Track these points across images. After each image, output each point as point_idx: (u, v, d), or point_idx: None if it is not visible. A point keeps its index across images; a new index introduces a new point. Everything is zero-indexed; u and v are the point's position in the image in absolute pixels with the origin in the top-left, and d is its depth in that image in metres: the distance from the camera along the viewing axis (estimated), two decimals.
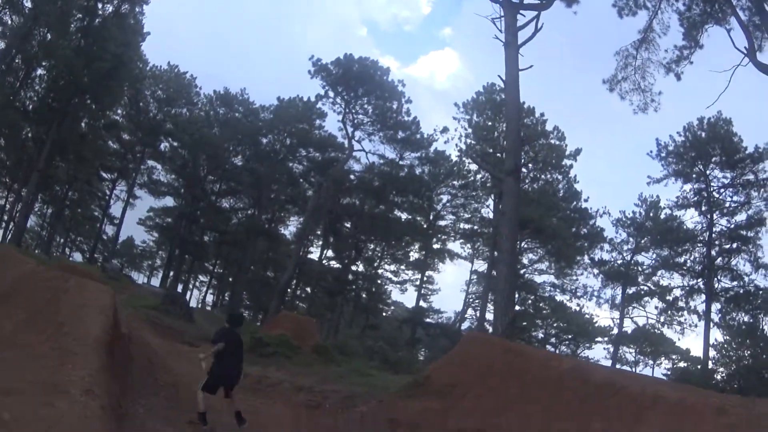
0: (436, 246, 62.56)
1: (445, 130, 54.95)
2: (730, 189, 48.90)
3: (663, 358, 66.91)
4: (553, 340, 63.53)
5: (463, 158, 55.77)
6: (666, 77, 32.46)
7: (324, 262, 61.96)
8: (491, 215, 54.00)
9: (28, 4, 43.32)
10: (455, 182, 58.75)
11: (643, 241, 53.53)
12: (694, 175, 49.90)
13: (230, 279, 72.87)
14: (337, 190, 55.17)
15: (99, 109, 51.30)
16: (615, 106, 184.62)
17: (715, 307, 47.90)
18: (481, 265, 59.75)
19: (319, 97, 54.47)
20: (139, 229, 78.48)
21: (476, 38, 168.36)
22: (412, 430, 13.16)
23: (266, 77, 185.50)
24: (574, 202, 54.12)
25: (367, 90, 53.88)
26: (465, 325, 59.37)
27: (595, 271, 54.92)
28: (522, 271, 50.28)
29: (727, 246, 48.37)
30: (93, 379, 8.20)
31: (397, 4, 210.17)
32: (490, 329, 46.72)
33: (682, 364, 61.50)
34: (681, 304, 50.27)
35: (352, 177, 57.68)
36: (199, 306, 66.68)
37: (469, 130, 54.55)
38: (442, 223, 61.46)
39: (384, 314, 67.96)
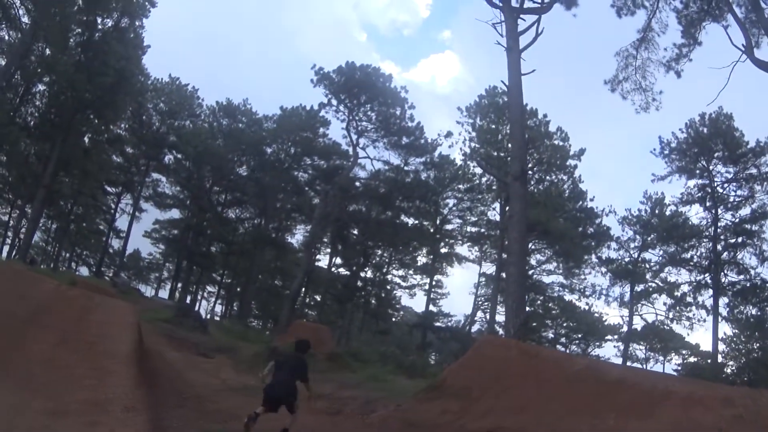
0: (443, 250, 62.78)
1: (449, 134, 55.32)
2: (734, 183, 49.20)
3: (673, 354, 66.88)
4: (563, 339, 63.64)
5: (468, 162, 56.11)
6: (666, 75, 32.82)
7: (333, 269, 62.18)
8: (498, 218, 54.36)
9: (26, 20, 43.74)
10: (461, 186, 58.89)
11: (649, 239, 53.65)
12: (697, 171, 50.11)
13: (238, 289, 73.11)
14: (344, 198, 55.45)
15: (102, 123, 51.52)
16: (617, 105, 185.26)
17: (723, 301, 48.06)
18: (489, 268, 60.01)
19: (322, 105, 54.69)
20: (144, 241, 78.93)
21: (476, 40, 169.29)
22: None
23: (267, 85, 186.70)
24: (580, 202, 54.32)
25: (370, 97, 54.11)
26: (475, 328, 59.65)
27: (603, 269, 55.20)
28: (530, 272, 50.50)
29: (733, 240, 48.64)
30: (132, 395, 8.60)
31: (396, 8, 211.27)
32: (501, 331, 47.17)
33: (692, 359, 61.45)
34: (689, 299, 50.50)
35: (357, 184, 57.91)
36: (208, 317, 66.96)
37: (473, 134, 54.85)
38: (449, 227, 61.70)
39: (393, 319, 68.16)
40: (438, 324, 61.14)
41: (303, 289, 59.66)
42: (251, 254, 63.67)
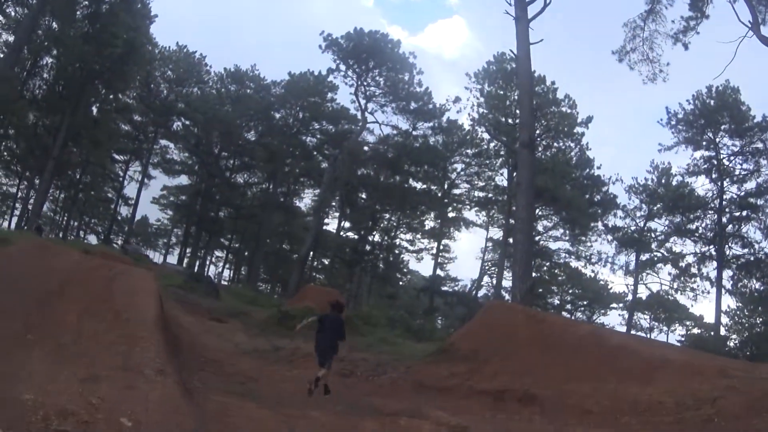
0: (451, 214, 63.03)
1: (457, 99, 55.16)
2: (740, 157, 49.07)
3: (677, 325, 67.03)
4: (568, 306, 63.96)
5: (476, 127, 56.19)
6: (674, 47, 33.03)
7: (341, 233, 62.57)
8: (505, 183, 54.58)
9: None
10: (468, 151, 58.97)
11: (655, 208, 53.54)
12: (704, 143, 50.01)
13: (246, 253, 73.54)
14: (353, 162, 55.73)
15: (111, 93, 51.71)
16: (625, 75, 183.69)
17: (727, 274, 48.14)
18: (496, 233, 60.40)
19: (330, 70, 55.21)
20: (152, 207, 79.51)
21: (484, 4, 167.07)
22: (441, 393, 14.08)
23: (274, 50, 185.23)
24: (587, 170, 54.33)
25: (379, 62, 54.37)
26: (481, 293, 60.04)
27: (609, 237, 55.09)
28: (537, 239, 50.61)
29: (738, 214, 48.66)
30: (161, 359, 9.05)
31: None
32: (507, 296, 47.72)
33: (695, 331, 61.41)
34: (693, 270, 50.78)
35: (366, 149, 58.14)
36: (216, 281, 67.56)
37: (481, 100, 54.59)
38: (456, 191, 61.93)
39: (401, 283, 68.56)
40: (445, 288, 61.57)
41: (311, 253, 60.15)
42: (260, 219, 63.99)
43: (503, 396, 13.10)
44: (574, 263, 59.08)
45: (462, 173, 60.87)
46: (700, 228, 50.83)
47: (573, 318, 55.19)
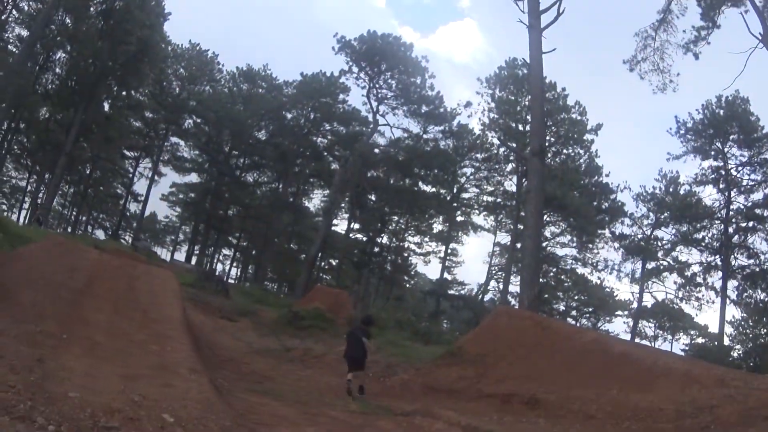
0: (459, 218, 63.31)
1: (468, 104, 55.59)
2: (748, 167, 49.05)
3: (681, 333, 66.91)
4: (574, 312, 63.96)
5: (486, 132, 56.36)
6: (684, 57, 33.38)
7: (350, 235, 62.83)
8: (514, 188, 54.82)
9: None
10: (478, 155, 59.01)
11: (662, 217, 53.67)
12: (712, 153, 50.08)
13: (254, 252, 73.75)
14: (363, 164, 56.13)
15: (124, 90, 52.04)
16: (635, 84, 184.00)
17: (732, 284, 48.19)
18: (504, 238, 60.59)
19: (343, 72, 55.52)
20: (161, 204, 79.81)
21: (495, 7, 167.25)
22: (450, 395, 14.55)
23: (285, 50, 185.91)
24: (596, 177, 54.58)
25: (391, 65, 54.73)
26: (488, 297, 60.35)
27: (616, 245, 55.27)
28: (544, 244, 50.79)
29: (744, 224, 48.73)
30: (192, 358, 9.50)
31: None
32: (513, 301, 48.08)
33: (700, 340, 61.32)
34: (699, 280, 50.65)
35: (377, 151, 58.53)
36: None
37: (492, 105, 54.95)
38: (465, 195, 62.03)
39: (407, 285, 68.76)
40: (451, 292, 61.96)
41: (319, 254, 60.45)
42: (268, 218, 64.36)
43: (510, 399, 13.55)
44: (580, 270, 59.14)
45: (471, 177, 61.10)
46: (707, 237, 50.89)
47: (578, 325, 55.29)
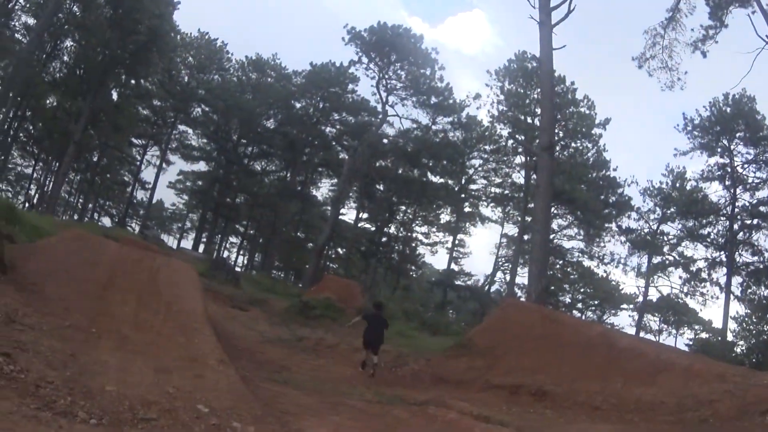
0: (467, 209, 63.44)
1: (477, 96, 55.93)
2: (753, 165, 49.12)
3: (686, 328, 66.99)
4: (579, 305, 64.21)
5: (495, 123, 56.66)
6: (692, 55, 33.67)
7: (358, 224, 63.08)
8: (522, 180, 55.06)
9: None
10: (487, 147, 59.14)
11: (669, 212, 53.92)
12: (718, 150, 50.23)
13: (261, 240, 73.95)
14: (372, 155, 56.41)
15: (132, 79, 52.06)
16: (643, 80, 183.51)
17: (737, 280, 48.44)
18: (511, 229, 60.83)
19: (352, 62, 55.67)
20: (167, 192, 79.80)
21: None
22: (459, 386, 15.04)
23: (293, 39, 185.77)
24: (603, 171, 54.84)
25: (401, 56, 54.80)
26: (494, 288, 60.69)
27: (622, 239, 55.47)
28: (551, 237, 51.02)
29: (749, 221, 48.87)
30: (218, 350, 9.85)
31: None
32: (520, 293, 48.48)
33: (704, 335, 61.38)
34: (704, 275, 50.97)
35: (385, 141, 58.82)
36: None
37: (501, 97, 55.09)
38: (473, 186, 62.11)
39: (414, 275, 68.94)
40: (458, 282, 62.28)
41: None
42: (276, 206, 64.76)
43: (518, 391, 14.03)
44: (586, 262, 59.24)
45: (479, 169, 61.20)
46: (712, 233, 51.20)
47: (583, 317, 55.63)
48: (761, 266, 47.50)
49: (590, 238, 56.32)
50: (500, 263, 61.09)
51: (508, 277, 56.58)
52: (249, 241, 77.94)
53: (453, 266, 63.64)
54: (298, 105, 65.76)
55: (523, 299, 33.50)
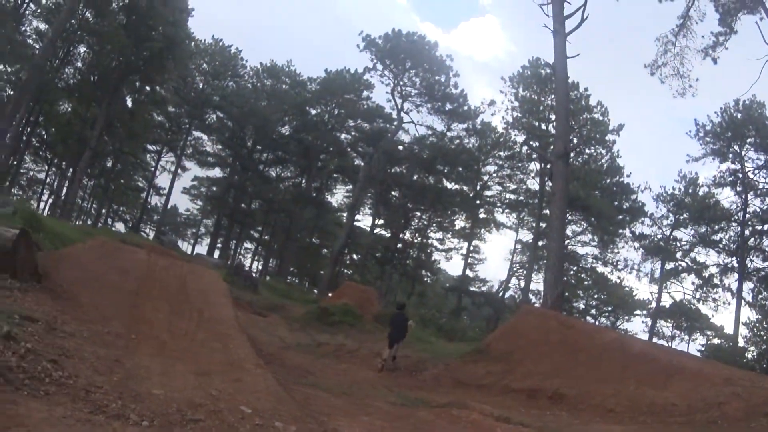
0: (482, 216, 63.20)
1: (492, 103, 56.44)
2: (764, 171, 49.09)
3: (698, 334, 66.76)
4: (593, 311, 64.08)
5: (510, 130, 56.76)
6: (703, 62, 33.94)
7: (374, 231, 63.30)
8: (537, 186, 55.37)
9: None
10: (501, 153, 59.44)
11: (682, 218, 53.87)
12: (730, 155, 50.18)
13: (275, 246, 74.13)
14: (388, 161, 56.80)
15: (147, 85, 52.00)
16: (655, 86, 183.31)
17: (748, 286, 48.30)
18: (526, 235, 60.49)
19: (367, 69, 56.18)
20: (182, 197, 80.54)
21: (516, 3, 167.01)
22: (478, 390, 15.52)
23: (306, 45, 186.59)
24: (617, 177, 55.06)
25: (415, 63, 55.23)
26: (508, 294, 60.74)
27: (636, 245, 55.62)
28: (566, 243, 51.25)
29: (760, 227, 48.83)
30: (253, 355, 10.30)
31: None
32: (534, 299, 48.78)
33: (716, 341, 61.17)
34: (716, 281, 51.04)
35: (401, 148, 59.23)
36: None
37: (516, 104, 55.36)
38: (488, 193, 62.15)
39: (428, 282, 68.88)
40: (473, 288, 62.39)
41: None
42: (291, 212, 65.14)
43: (535, 394, 14.53)
44: (600, 268, 59.22)
45: (494, 175, 61.27)
46: (724, 239, 51.18)
47: (597, 323, 55.70)
48: None
49: (604, 245, 56.45)
50: (515, 269, 61.01)
51: (522, 283, 56.67)
52: (264, 247, 78.26)
53: (468, 272, 63.56)
54: (313, 111, 66.25)
55: (538, 305, 33.86)
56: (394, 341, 18.39)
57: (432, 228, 65.66)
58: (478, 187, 61.38)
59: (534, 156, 54.71)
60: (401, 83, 55.59)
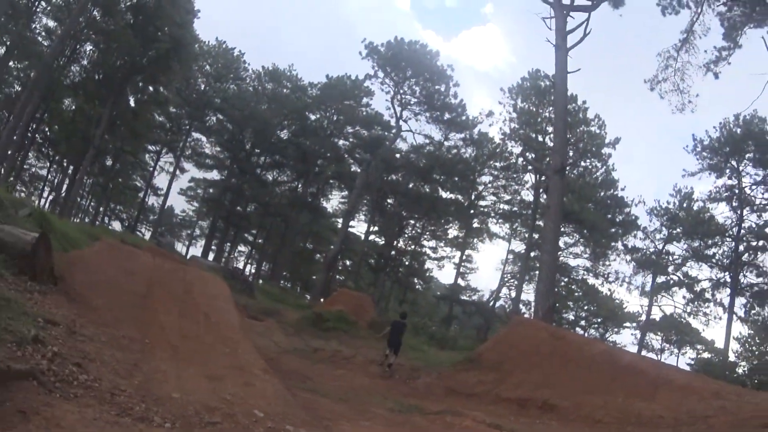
0: (476, 225, 63.36)
1: (490, 113, 56.89)
2: (762, 186, 49.04)
3: (688, 348, 66.81)
4: (582, 322, 64.25)
5: (506, 141, 56.92)
6: (704, 77, 33.97)
7: (368, 238, 63.64)
8: (531, 197, 55.59)
9: None
10: (497, 164, 59.42)
11: (675, 232, 54.03)
12: (727, 171, 50.39)
13: (269, 250, 74.05)
14: (385, 169, 57.06)
15: (151, 85, 52.28)
16: (654, 101, 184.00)
17: (740, 301, 48.49)
18: (518, 246, 60.73)
19: (368, 76, 56.23)
20: (178, 198, 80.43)
21: (518, 12, 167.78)
22: (470, 398, 15.96)
23: (308, 49, 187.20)
24: (611, 190, 55.28)
25: (416, 72, 55.44)
26: (498, 304, 60.95)
27: (628, 257, 55.59)
28: (558, 254, 51.40)
29: (755, 243, 48.94)
30: (259, 359, 10.62)
31: None
32: (524, 309, 49.08)
33: (705, 355, 61.30)
34: (707, 295, 51.02)
35: (398, 156, 59.54)
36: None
37: (514, 115, 55.63)
38: (482, 203, 62.26)
39: (420, 289, 68.95)
40: (464, 298, 62.54)
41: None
42: (287, 217, 65.30)
43: (526, 404, 14.98)
44: (591, 280, 59.38)
45: (489, 185, 61.42)
46: (717, 254, 51.15)
47: (586, 335, 55.92)
48: (765, 287, 47.56)
49: (596, 257, 56.70)
50: (506, 279, 61.30)
51: (513, 293, 57.00)
52: (258, 251, 78.36)
53: (459, 281, 63.81)
54: (312, 117, 66.58)
55: (528, 316, 34.21)
56: (392, 346, 19.24)
57: (425, 236, 65.87)
58: (473, 197, 61.57)
59: (529, 167, 54.96)
60: (401, 91, 55.81)
